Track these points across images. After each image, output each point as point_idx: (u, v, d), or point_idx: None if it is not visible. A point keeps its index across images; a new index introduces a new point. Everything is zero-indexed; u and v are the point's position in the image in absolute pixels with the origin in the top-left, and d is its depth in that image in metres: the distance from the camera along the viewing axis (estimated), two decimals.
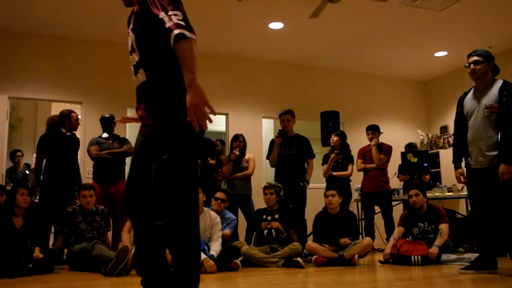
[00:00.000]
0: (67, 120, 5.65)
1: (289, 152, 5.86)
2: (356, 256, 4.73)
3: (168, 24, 2.02)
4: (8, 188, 5.71)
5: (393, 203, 6.66)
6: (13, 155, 7.54)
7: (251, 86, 8.46)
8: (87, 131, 7.10)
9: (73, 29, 7.07)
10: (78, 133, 7.40)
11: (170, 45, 2.05)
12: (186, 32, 2.00)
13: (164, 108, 2.22)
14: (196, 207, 2.22)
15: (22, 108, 9.08)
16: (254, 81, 8.50)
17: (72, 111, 5.74)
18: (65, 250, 5.04)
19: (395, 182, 7.08)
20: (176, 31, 1.99)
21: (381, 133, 6.64)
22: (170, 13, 2.05)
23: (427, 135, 9.35)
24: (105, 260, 4.30)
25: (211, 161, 6.07)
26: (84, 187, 4.99)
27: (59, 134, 5.61)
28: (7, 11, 6.42)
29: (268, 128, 9.55)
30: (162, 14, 2.06)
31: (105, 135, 5.88)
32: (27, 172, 7.59)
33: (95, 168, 5.71)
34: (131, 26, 2.31)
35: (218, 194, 5.20)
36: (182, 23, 2.02)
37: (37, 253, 4.50)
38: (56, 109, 9.44)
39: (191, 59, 2.01)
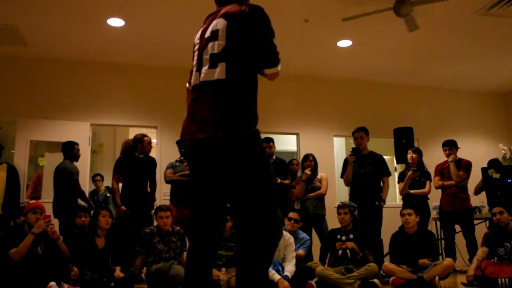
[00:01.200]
0: (139, 144, 5.92)
1: (363, 170, 5.75)
2: (437, 277, 4.53)
3: (273, 50, 2.21)
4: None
5: (475, 221, 6.33)
6: (93, 179, 7.95)
7: (322, 105, 8.43)
8: (163, 154, 7.37)
9: (148, 58, 7.42)
10: (154, 155, 7.73)
11: (258, 54, 2.18)
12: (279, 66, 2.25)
13: (243, 116, 2.14)
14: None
15: (102, 134, 9.57)
16: (324, 100, 8.46)
17: (145, 135, 6.00)
18: (144, 270, 5.20)
19: (476, 200, 6.74)
20: (278, 63, 2.25)
21: (459, 148, 6.36)
22: (274, 40, 2.22)
23: (510, 149, 8.84)
24: (182, 280, 4.39)
25: (285, 181, 6.06)
26: (161, 208, 5.15)
27: (133, 157, 5.88)
28: (90, 44, 6.86)
29: (339, 147, 9.44)
30: (269, 35, 2.21)
31: (180, 158, 6.08)
32: (108, 194, 7.96)
33: (172, 190, 5.89)
34: (221, 13, 2.24)
35: (291, 214, 5.19)
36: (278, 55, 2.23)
37: (118, 272, 4.67)
38: (133, 133, 9.87)
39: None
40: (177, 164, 6.01)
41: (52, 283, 4.05)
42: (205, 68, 2.18)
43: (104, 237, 4.89)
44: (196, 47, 2.29)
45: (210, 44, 2.20)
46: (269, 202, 2.07)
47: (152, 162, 6.03)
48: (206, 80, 2.16)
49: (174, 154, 6.45)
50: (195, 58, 2.29)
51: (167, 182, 5.90)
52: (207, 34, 2.23)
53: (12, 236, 4.41)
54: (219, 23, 2.21)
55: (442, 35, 6.78)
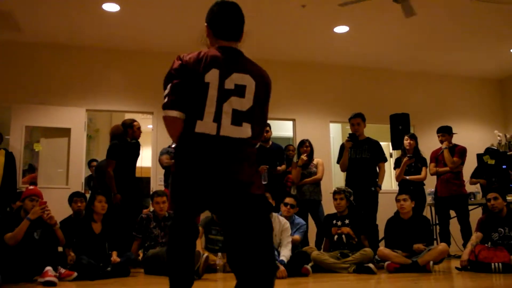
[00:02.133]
0: (129, 129, 5.86)
1: (359, 156, 5.77)
2: (431, 262, 4.57)
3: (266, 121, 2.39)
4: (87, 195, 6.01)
5: (470, 207, 6.37)
6: (89, 164, 7.94)
7: (318, 91, 8.42)
8: (159, 140, 7.37)
9: (144, 43, 7.37)
10: (148, 143, 7.75)
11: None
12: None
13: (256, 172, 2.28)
14: None
15: (98, 120, 9.54)
16: (321, 86, 8.45)
17: (134, 120, 5.94)
18: (140, 254, 5.23)
19: (470, 185, 6.78)
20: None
21: (455, 133, 6.38)
22: None
23: (505, 136, 8.87)
24: None
25: (279, 168, 6.08)
26: (157, 193, 5.17)
27: (125, 143, 5.82)
28: (85, 29, 6.81)
29: (336, 133, 9.46)
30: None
31: (174, 144, 6.06)
32: None
33: (166, 176, 5.89)
34: (246, 68, 2.26)
35: (288, 200, 5.21)
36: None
37: (115, 257, 4.70)
38: None
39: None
40: (173, 150, 6.00)
41: (49, 268, 4.06)
42: (226, 123, 2.17)
43: (101, 222, 4.91)
44: (213, 94, 2.18)
45: (233, 99, 2.18)
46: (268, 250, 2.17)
47: (139, 148, 6.00)
48: (227, 136, 2.17)
49: (170, 140, 6.43)
50: (212, 106, 2.18)
51: (164, 167, 5.90)
52: (229, 85, 2.18)
53: (8, 221, 4.42)
54: (246, 80, 2.21)
55: (439, 21, 6.77)
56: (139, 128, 5.94)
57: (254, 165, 2.26)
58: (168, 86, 2.27)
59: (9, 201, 5.87)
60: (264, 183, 5.92)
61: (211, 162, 2.15)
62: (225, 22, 2.32)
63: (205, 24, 2.39)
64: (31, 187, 4.88)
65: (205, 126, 2.17)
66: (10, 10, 6.16)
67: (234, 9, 2.33)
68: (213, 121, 2.16)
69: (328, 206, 5.79)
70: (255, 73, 2.24)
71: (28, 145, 7.44)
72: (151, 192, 7.33)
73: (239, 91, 2.18)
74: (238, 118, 2.17)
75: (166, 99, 2.25)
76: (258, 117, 2.24)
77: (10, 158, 6.17)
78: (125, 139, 5.84)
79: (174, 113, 2.20)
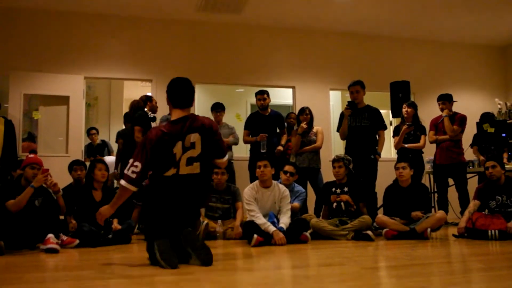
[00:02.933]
0: (149, 102, 6.07)
1: (359, 124, 5.75)
2: (429, 229, 4.61)
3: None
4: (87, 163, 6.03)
5: (468, 175, 6.40)
6: (89, 132, 7.93)
7: (318, 58, 8.34)
8: (158, 107, 7.32)
9: (143, 10, 7.26)
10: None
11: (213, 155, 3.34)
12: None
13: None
14: None
15: (97, 87, 9.48)
16: (321, 53, 8.37)
17: (152, 96, 6.18)
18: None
19: (469, 154, 6.79)
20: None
21: (455, 101, 6.34)
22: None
23: (506, 104, 8.84)
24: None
25: (279, 148, 6.09)
26: None
27: (148, 115, 5.97)
28: None
29: (335, 101, 9.42)
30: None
31: None
32: (105, 148, 7.95)
33: None
34: (196, 126, 3.23)
35: (287, 168, 5.22)
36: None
37: (116, 224, 4.74)
38: (128, 87, 9.80)
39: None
40: None
41: (50, 235, 4.10)
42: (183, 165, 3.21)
43: (101, 190, 4.93)
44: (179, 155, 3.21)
45: (189, 152, 3.21)
46: None
47: (155, 121, 6.17)
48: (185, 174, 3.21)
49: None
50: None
51: None
52: (187, 144, 3.20)
53: (9, 188, 4.45)
54: (196, 137, 3.22)
55: None
56: (156, 102, 6.15)
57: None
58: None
59: (9, 169, 5.89)
60: (262, 151, 5.93)
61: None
62: (180, 96, 3.34)
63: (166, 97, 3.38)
64: (31, 155, 4.88)
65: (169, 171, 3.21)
66: None
67: (185, 84, 3.39)
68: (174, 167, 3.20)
69: (328, 174, 5.81)
70: (200, 128, 3.23)
71: (27, 113, 7.42)
72: None
73: (192, 145, 3.21)
74: (190, 162, 3.20)
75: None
76: (206, 158, 3.27)
77: (9, 126, 6.16)
78: (146, 112, 5.94)
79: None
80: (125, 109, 9.69)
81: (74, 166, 5.32)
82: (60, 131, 7.21)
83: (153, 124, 5.93)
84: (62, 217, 4.73)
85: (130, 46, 7.52)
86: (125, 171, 3.14)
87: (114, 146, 7.35)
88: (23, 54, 7.05)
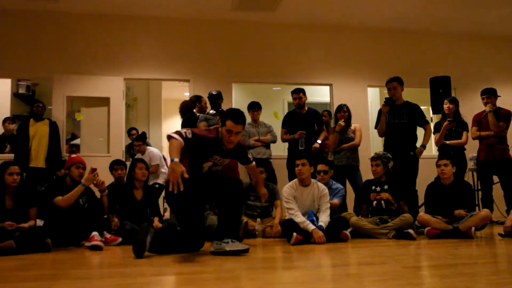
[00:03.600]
0: (198, 103, 6.21)
1: (398, 121, 5.66)
2: (473, 228, 4.49)
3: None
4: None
5: None
6: (129, 133, 8.09)
7: (355, 55, 8.25)
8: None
9: (180, 10, 7.35)
10: None
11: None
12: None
13: None
14: None
15: (136, 88, 9.67)
16: (357, 50, 8.27)
17: (201, 96, 6.27)
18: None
19: None
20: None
21: (499, 96, 6.15)
22: None
23: None
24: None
25: (315, 146, 6.07)
26: None
27: (195, 117, 6.10)
28: None
29: (373, 97, 9.29)
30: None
31: (212, 111, 6.12)
32: None
33: None
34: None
35: (319, 167, 5.19)
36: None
37: (156, 222, 4.82)
38: (166, 88, 9.95)
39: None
40: (211, 117, 6.04)
41: (95, 233, 4.21)
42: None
43: (142, 189, 5.02)
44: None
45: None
46: None
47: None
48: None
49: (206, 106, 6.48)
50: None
51: None
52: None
53: (55, 188, 4.59)
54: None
55: None
56: (206, 102, 6.27)
57: None
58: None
59: (54, 169, 6.09)
60: (301, 148, 5.91)
61: None
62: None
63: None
64: (74, 155, 5.03)
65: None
66: None
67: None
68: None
69: (367, 172, 5.74)
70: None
71: (70, 114, 7.63)
72: None
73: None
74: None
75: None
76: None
77: (54, 127, 6.39)
78: (194, 113, 6.07)
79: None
80: (164, 109, 9.86)
81: (114, 165, 5.44)
82: (101, 131, 7.40)
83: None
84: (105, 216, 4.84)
85: (168, 47, 7.63)
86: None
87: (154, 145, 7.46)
88: (66, 58, 7.25)
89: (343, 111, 6.08)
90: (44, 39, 7.25)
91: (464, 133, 5.96)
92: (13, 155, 6.42)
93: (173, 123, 12.31)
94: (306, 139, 6.04)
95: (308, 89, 6.55)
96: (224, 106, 6.38)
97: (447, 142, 5.95)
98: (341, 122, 5.97)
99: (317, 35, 8.07)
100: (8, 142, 7.07)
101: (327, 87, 8.23)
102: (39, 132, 6.36)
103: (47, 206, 4.50)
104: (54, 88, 7.08)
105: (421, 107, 5.83)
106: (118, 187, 5.19)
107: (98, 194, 4.83)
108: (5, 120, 7.26)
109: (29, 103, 9.00)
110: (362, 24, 8.15)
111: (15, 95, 8.57)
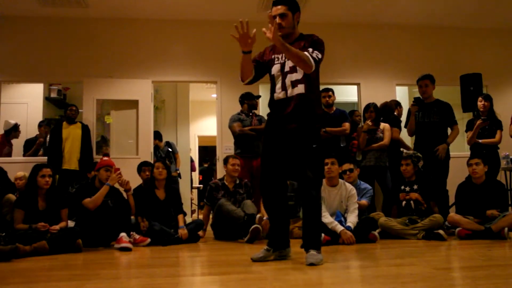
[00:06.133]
0: (399, 107, 6.58)
1: (428, 120, 5.56)
2: (506, 229, 4.38)
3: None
4: None
5: None
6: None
7: (382, 53, 8.14)
8: (223, 109, 7.44)
9: (206, 12, 7.40)
10: (213, 112, 7.87)
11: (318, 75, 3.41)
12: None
13: (310, 115, 3.25)
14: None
15: (164, 90, 9.75)
16: (385, 47, 8.16)
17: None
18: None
19: None
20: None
21: None
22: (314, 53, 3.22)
23: None
24: (235, 219, 4.77)
25: (328, 130, 5.99)
26: (232, 156, 5.38)
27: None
28: (148, 2, 6.92)
29: (402, 96, 9.14)
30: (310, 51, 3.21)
31: (246, 111, 6.12)
32: (169, 149, 8.18)
33: (238, 143, 5.95)
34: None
35: (344, 166, 5.17)
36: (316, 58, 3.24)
37: (182, 222, 4.89)
38: (193, 89, 10.01)
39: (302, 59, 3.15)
40: (244, 118, 6.03)
41: (123, 234, 4.27)
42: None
43: (163, 189, 5.08)
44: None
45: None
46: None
47: None
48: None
49: (234, 108, 6.48)
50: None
51: (238, 135, 5.94)
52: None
53: (85, 189, 4.69)
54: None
55: None
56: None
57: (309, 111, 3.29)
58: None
59: (86, 171, 6.22)
60: (342, 145, 5.90)
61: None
62: None
63: (297, 12, 3.39)
64: (105, 158, 5.13)
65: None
66: None
67: None
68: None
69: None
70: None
71: (100, 117, 7.76)
72: (216, 160, 7.50)
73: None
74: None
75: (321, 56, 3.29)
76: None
77: (86, 130, 6.54)
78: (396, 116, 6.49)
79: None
80: (192, 110, 9.91)
81: (142, 167, 5.51)
82: (130, 134, 7.50)
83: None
84: (132, 217, 4.91)
85: (194, 49, 7.68)
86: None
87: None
88: (95, 62, 7.38)
89: (370, 111, 6.01)
90: (75, 44, 7.39)
91: (498, 132, 5.79)
92: (46, 157, 6.58)
93: (201, 125, 12.44)
94: (333, 140, 6.00)
95: (335, 88, 6.50)
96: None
97: (480, 141, 5.80)
98: (369, 122, 5.91)
99: (344, 33, 7.98)
100: (42, 145, 7.24)
101: (355, 87, 8.14)
102: (72, 134, 6.49)
103: (77, 208, 4.60)
104: (84, 92, 7.21)
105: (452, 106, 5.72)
106: (143, 189, 5.26)
107: (125, 195, 4.91)
108: (41, 124, 7.45)
109: (61, 107, 9.20)
110: (390, 22, 8.03)
111: (47, 99, 8.76)
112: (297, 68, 3.21)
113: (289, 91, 3.25)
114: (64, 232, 4.11)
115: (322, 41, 3.34)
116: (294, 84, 3.23)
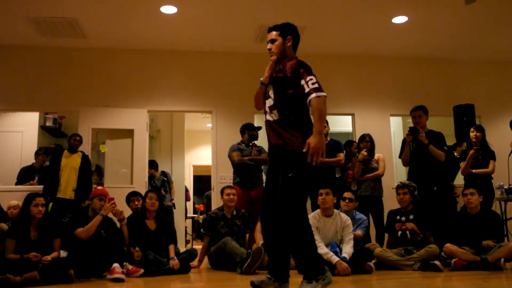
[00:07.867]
0: None
1: (421, 149, 5.60)
2: (502, 260, 4.36)
3: (307, 89, 3.00)
4: None
5: None
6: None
7: (377, 84, 8.23)
8: (218, 139, 7.46)
9: (202, 43, 7.49)
10: (208, 142, 7.87)
11: (298, 99, 3.09)
12: (320, 93, 2.96)
13: (291, 140, 3.06)
14: (303, 210, 2.97)
15: (159, 120, 9.80)
16: (379, 78, 8.26)
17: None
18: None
19: None
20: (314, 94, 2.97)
21: None
22: (307, 79, 3.05)
23: None
24: (237, 255, 4.63)
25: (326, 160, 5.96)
26: (228, 187, 5.37)
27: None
28: (145, 33, 7.01)
29: (396, 127, 9.22)
30: (302, 82, 3.05)
31: (246, 142, 6.12)
32: (164, 178, 8.17)
33: (237, 173, 5.94)
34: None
35: (346, 194, 5.15)
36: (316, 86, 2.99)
37: (172, 253, 4.83)
38: (189, 119, 10.05)
39: (323, 112, 2.94)
40: (244, 148, 6.03)
41: (116, 265, 4.22)
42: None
43: (154, 219, 5.05)
44: None
45: None
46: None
47: None
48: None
49: (229, 138, 6.53)
50: None
51: (236, 164, 5.92)
52: None
53: (78, 219, 4.65)
54: None
55: (501, 5, 6.41)
56: None
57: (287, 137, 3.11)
58: (314, 76, 3.08)
59: (81, 201, 6.16)
60: (337, 176, 5.90)
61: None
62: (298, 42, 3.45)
63: (289, 36, 3.36)
64: (99, 187, 5.10)
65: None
66: (75, 17, 6.44)
67: None
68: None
69: (390, 203, 5.67)
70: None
71: (95, 146, 7.76)
72: (211, 190, 7.47)
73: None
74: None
75: (317, 85, 3.02)
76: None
77: (86, 160, 6.48)
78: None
79: (324, 93, 2.99)
80: (187, 140, 9.95)
81: (131, 197, 5.47)
82: (125, 163, 7.48)
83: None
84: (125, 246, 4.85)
85: (190, 79, 7.74)
86: (309, 86, 3.01)
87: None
88: (91, 91, 7.43)
89: (366, 141, 6.05)
90: (71, 73, 7.44)
91: (491, 162, 5.83)
92: (41, 186, 6.51)
93: (196, 154, 12.44)
94: (327, 171, 5.99)
95: (330, 119, 6.54)
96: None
97: (473, 171, 5.84)
98: (364, 152, 5.93)
99: (340, 64, 8.09)
100: (37, 173, 7.19)
101: (349, 117, 8.20)
102: (70, 163, 6.36)
103: (70, 237, 4.55)
104: (80, 121, 7.22)
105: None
106: (134, 219, 5.21)
107: (118, 224, 4.86)
108: (38, 153, 7.42)
109: (56, 136, 9.19)
110: (383, 53, 8.16)
111: (42, 127, 8.77)
112: (270, 92, 3.30)
113: (266, 117, 3.26)
114: (56, 263, 4.05)
115: (302, 63, 3.20)
116: (271, 110, 3.22)
